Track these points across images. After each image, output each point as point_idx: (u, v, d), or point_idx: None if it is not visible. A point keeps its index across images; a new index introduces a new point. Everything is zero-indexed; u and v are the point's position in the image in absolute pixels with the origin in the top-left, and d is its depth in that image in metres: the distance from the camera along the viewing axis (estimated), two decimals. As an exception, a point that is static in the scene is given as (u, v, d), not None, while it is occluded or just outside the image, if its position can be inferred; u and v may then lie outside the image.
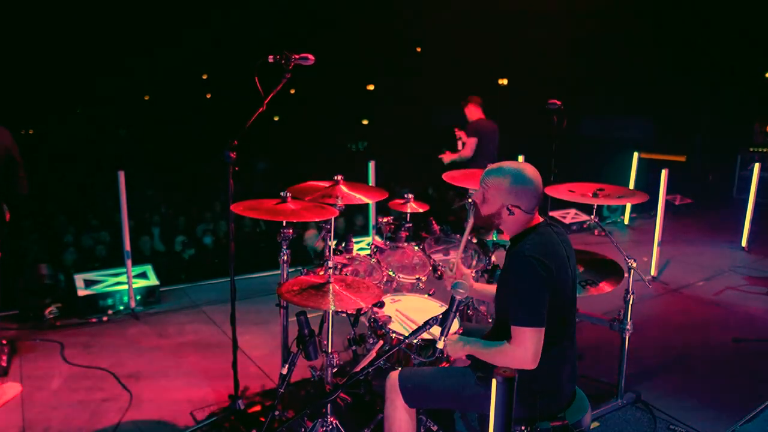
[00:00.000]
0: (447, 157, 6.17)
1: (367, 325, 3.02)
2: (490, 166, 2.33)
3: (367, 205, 5.86)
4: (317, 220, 3.00)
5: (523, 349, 2.09)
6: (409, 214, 3.86)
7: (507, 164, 2.28)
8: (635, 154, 8.54)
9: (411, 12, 17.90)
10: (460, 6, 15.70)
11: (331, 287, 2.62)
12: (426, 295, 3.35)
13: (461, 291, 2.12)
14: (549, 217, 2.41)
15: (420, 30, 19.74)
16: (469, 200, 4.16)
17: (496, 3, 15.43)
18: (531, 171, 2.26)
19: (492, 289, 2.75)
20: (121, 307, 4.96)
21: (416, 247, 3.76)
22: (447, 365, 2.78)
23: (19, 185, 3.41)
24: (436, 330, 2.18)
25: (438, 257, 3.76)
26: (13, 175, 3.40)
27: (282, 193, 3.08)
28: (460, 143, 6.18)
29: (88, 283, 5.05)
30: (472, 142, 6.01)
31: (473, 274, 3.59)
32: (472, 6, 15.72)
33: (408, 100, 20.70)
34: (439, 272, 3.56)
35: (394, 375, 2.45)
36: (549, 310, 2.11)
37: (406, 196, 3.88)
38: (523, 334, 2.09)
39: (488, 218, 2.32)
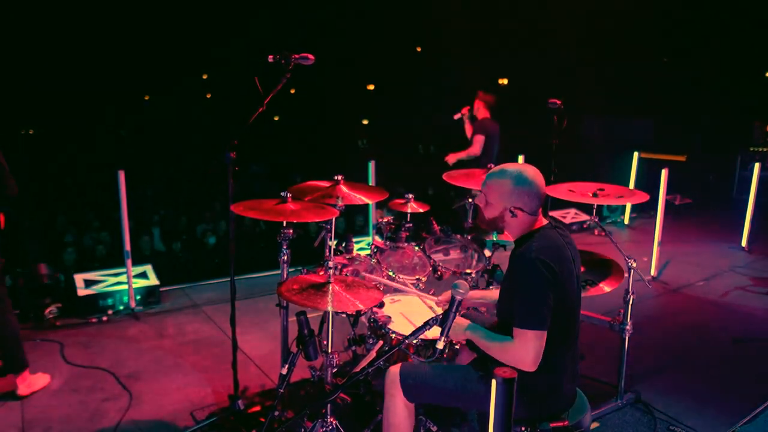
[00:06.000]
0: (452, 158, 6.14)
1: (367, 325, 3.02)
2: (492, 169, 2.34)
3: (367, 205, 5.85)
4: (317, 220, 3.00)
5: (524, 351, 2.08)
6: (409, 214, 3.86)
7: (508, 166, 2.29)
8: (635, 154, 8.54)
9: (411, 11, 17.92)
10: (461, 5, 15.71)
11: (331, 287, 2.62)
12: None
13: (461, 291, 2.12)
14: (552, 218, 2.40)
15: (420, 30, 19.74)
16: (470, 200, 4.16)
17: (496, 3, 15.45)
18: (532, 172, 2.26)
19: (489, 294, 2.76)
20: (121, 307, 4.96)
21: (416, 248, 3.76)
22: (445, 363, 2.78)
23: (7, 188, 3.39)
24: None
25: (438, 257, 3.76)
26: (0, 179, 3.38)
27: (282, 193, 3.08)
28: (457, 115, 6.19)
29: (88, 283, 5.05)
30: (480, 140, 5.98)
31: (473, 275, 3.60)
32: (473, 5, 15.73)
33: (408, 100, 20.70)
34: (439, 272, 3.56)
35: (394, 369, 2.44)
36: (553, 312, 2.10)
37: (406, 196, 3.88)
38: (524, 336, 2.09)
39: (492, 221, 2.32)
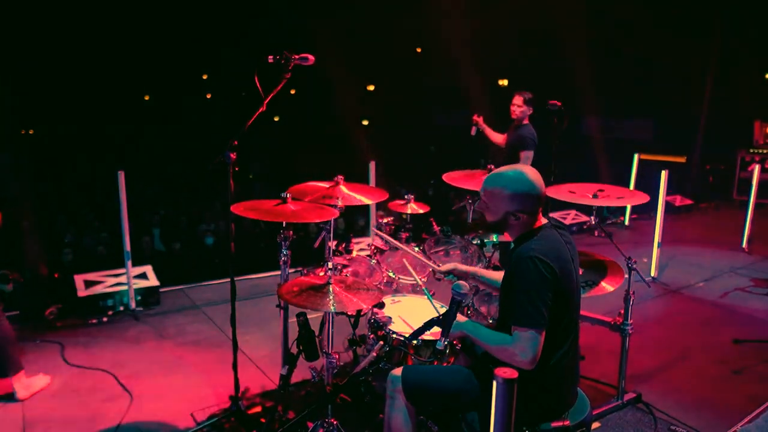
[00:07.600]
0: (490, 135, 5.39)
1: (368, 325, 3.02)
2: (489, 174, 2.32)
3: (367, 205, 5.84)
4: (317, 221, 3.00)
5: (522, 349, 2.08)
6: (409, 215, 3.86)
7: (506, 170, 2.27)
8: (635, 155, 8.54)
9: (411, 11, 17.93)
10: (461, 6, 15.71)
11: (331, 288, 2.62)
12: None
13: (462, 292, 2.13)
14: (552, 219, 2.40)
15: (420, 30, 19.75)
16: (469, 200, 4.17)
17: (496, 3, 15.45)
18: (530, 173, 2.24)
19: (497, 275, 2.74)
20: (121, 308, 4.96)
21: (416, 248, 3.76)
22: (447, 366, 2.77)
23: None
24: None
25: (438, 258, 3.75)
26: None
27: (282, 194, 3.08)
28: (473, 130, 5.35)
29: (88, 284, 5.04)
30: (530, 157, 5.00)
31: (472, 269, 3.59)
32: (473, 6, 15.73)
33: (408, 100, 20.72)
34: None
35: (396, 372, 2.44)
36: (553, 312, 2.10)
37: (406, 196, 3.88)
38: (523, 335, 2.08)
39: (494, 225, 2.31)
